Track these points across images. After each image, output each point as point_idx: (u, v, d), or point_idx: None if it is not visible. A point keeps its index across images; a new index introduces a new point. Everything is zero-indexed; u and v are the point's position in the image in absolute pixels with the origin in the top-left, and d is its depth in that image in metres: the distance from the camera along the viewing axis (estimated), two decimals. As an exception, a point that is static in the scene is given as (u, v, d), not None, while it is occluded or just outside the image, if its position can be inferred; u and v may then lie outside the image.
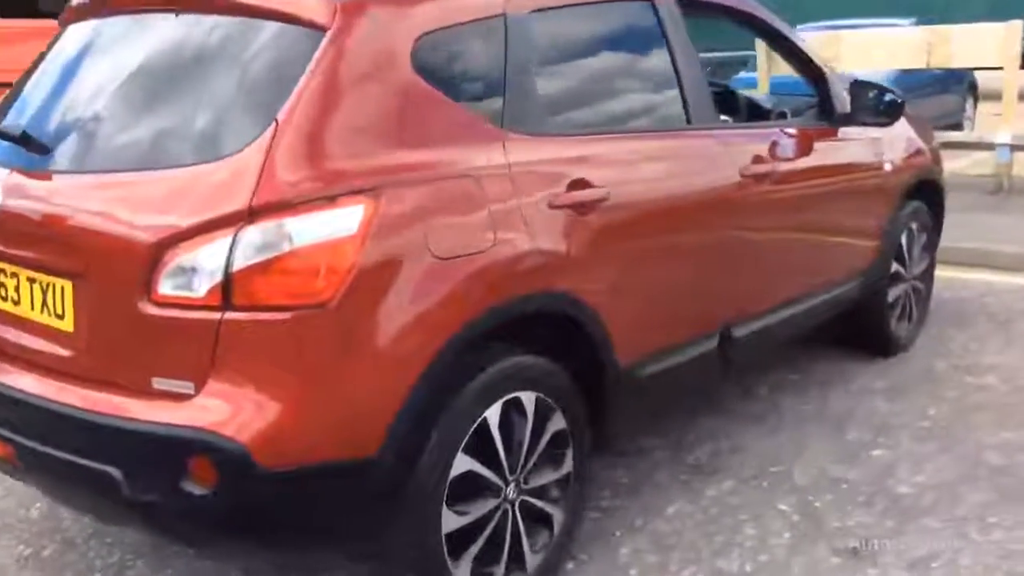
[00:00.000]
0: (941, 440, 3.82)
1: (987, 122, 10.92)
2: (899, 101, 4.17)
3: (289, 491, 2.32)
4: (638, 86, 3.41)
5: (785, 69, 5.91)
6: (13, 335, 2.66)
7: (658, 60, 3.35)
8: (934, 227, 4.97)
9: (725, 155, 3.49)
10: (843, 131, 4.16)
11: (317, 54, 2.43)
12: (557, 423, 2.84)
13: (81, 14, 2.97)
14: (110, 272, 2.39)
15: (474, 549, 2.66)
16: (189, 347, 2.29)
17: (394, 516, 2.49)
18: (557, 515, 2.89)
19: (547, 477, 2.84)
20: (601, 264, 2.93)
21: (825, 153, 4.06)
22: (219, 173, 2.33)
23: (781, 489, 3.45)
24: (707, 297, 3.46)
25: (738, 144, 3.60)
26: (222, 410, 2.25)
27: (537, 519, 2.85)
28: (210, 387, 2.28)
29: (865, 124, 4.17)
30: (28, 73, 3.01)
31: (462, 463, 2.56)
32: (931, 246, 4.96)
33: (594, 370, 2.96)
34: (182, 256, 2.28)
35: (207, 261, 2.25)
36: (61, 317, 2.51)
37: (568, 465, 2.90)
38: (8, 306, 2.67)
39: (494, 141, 2.70)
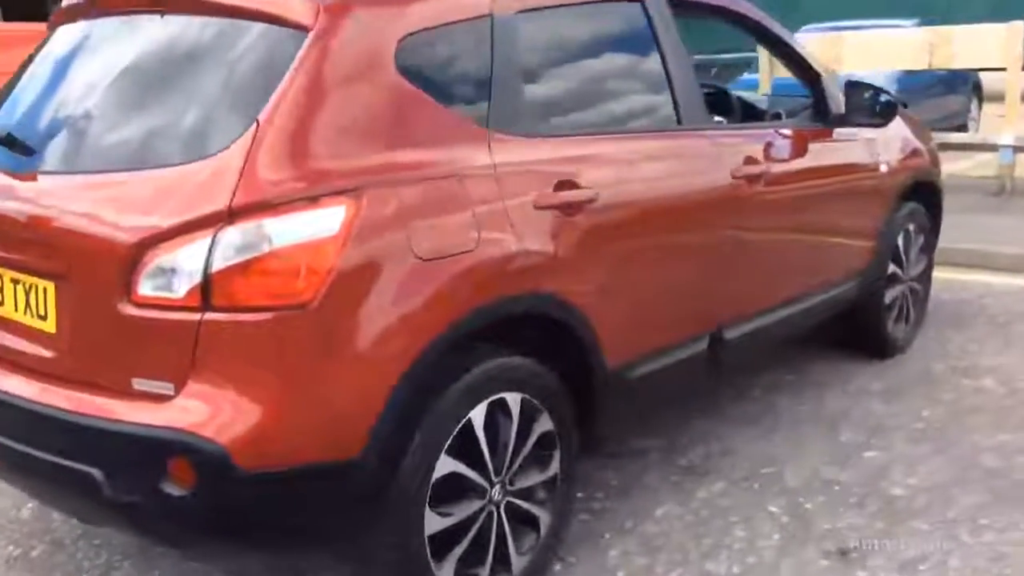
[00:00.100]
0: (936, 442, 3.80)
1: (992, 123, 10.88)
2: (894, 102, 4.15)
3: (270, 493, 2.31)
4: (627, 87, 3.39)
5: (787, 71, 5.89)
6: (-3, 336, 2.67)
7: (648, 60, 3.34)
8: (932, 228, 4.95)
9: (716, 156, 3.48)
10: (838, 132, 4.15)
11: (300, 54, 2.43)
12: (544, 424, 2.83)
13: (71, 16, 2.98)
14: (91, 273, 2.39)
15: (458, 550, 2.65)
16: (169, 348, 2.29)
17: (377, 518, 2.48)
18: (544, 517, 2.88)
19: (533, 479, 2.83)
20: (589, 265, 2.92)
21: (819, 154, 4.04)
22: (200, 174, 2.33)
23: (772, 491, 3.43)
24: (697, 299, 3.44)
25: (730, 145, 3.59)
26: (201, 411, 2.25)
27: (523, 521, 2.83)
28: (190, 388, 2.27)
29: (860, 125, 4.15)
30: (17, 75, 3.02)
31: (446, 464, 2.56)
32: (929, 247, 4.94)
33: (582, 372, 2.95)
34: (162, 257, 2.28)
35: (186, 262, 2.25)
36: (44, 318, 2.51)
37: (555, 467, 2.89)
38: (-8, 307, 2.68)
39: (479, 142, 2.69)
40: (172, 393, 2.28)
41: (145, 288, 2.29)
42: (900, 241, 4.62)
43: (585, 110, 3.16)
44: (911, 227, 4.70)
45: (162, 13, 2.67)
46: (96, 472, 2.32)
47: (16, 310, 2.59)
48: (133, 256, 2.30)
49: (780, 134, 3.90)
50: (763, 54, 8.63)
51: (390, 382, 2.40)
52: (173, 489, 2.25)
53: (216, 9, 2.59)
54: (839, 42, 8.74)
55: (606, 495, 3.44)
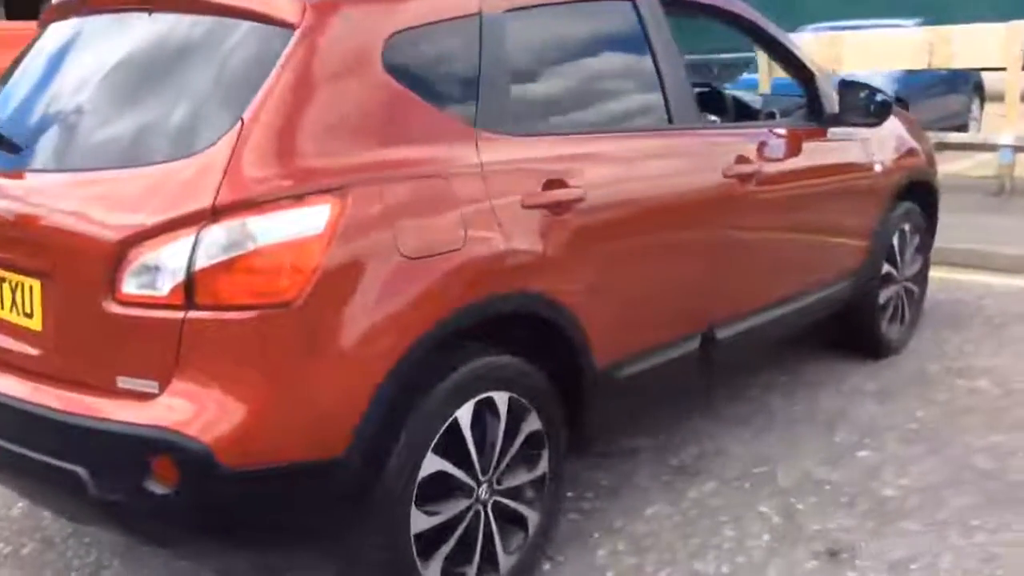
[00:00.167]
0: (929, 443, 3.78)
1: (993, 123, 10.86)
2: (888, 101, 4.14)
3: (253, 491, 2.31)
4: (617, 86, 3.38)
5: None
6: (-16, 335, 2.67)
7: (639, 59, 3.33)
8: (927, 229, 4.94)
9: (708, 155, 3.47)
10: (831, 131, 4.13)
11: (286, 52, 2.43)
12: (532, 424, 2.83)
13: (62, 13, 2.98)
14: (76, 271, 2.39)
15: (445, 549, 2.64)
16: (153, 346, 2.29)
17: (362, 516, 2.48)
18: (532, 516, 2.87)
19: (521, 478, 2.83)
20: (577, 265, 2.91)
21: (812, 153, 4.03)
22: (185, 172, 2.33)
23: (763, 491, 3.42)
24: (688, 298, 3.44)
25: (722, 144, 3.58)
26: (185, 409, 2.25)
27: (511, 520, 2.83)
28: (174, 386, 2.27)
29: (854, 124, 4.14)
30: (7, 73, 3.02)
31: (432, 463, 2.55)
32: (924, 248, 4.92)
33: (571, 371, 2.95)
34: (146, 255, 2.28)
35: (170, 260, 2.25)
36: (30, 316, 2.51)
37: (544, 466, 2.89)
38: (-21, 306, 2.68)
39: (467, 140, 2.69)
40: (156, 391, 2.28)
41: (129, 286, 2.29)
42: (895, 241, 4.60)
43: (574, 109, 3.15)
44: (906, 227, 4.69)
45: (150, 11, 2.67)
46: (81, 471, 2.31)
47: (2, 308, 2.59)
48: (117, 254, 2.30)
49: (773, 133, 3.89)
50: (762, 54, 8.62)
51: (375, 381, 2.40)
52: (157, 487, 2.25)
53: (204, 7, 2.59)
54: (839, 42, 8.73)
55: (596, 495, 3.43)
